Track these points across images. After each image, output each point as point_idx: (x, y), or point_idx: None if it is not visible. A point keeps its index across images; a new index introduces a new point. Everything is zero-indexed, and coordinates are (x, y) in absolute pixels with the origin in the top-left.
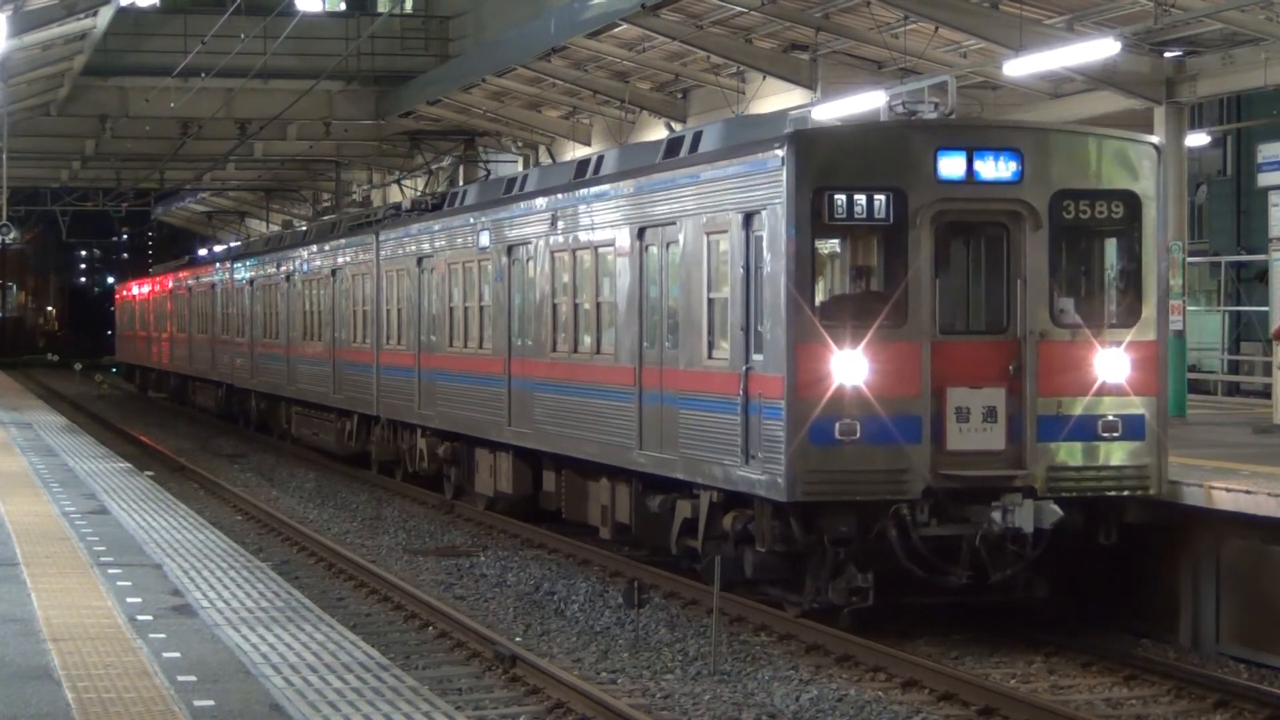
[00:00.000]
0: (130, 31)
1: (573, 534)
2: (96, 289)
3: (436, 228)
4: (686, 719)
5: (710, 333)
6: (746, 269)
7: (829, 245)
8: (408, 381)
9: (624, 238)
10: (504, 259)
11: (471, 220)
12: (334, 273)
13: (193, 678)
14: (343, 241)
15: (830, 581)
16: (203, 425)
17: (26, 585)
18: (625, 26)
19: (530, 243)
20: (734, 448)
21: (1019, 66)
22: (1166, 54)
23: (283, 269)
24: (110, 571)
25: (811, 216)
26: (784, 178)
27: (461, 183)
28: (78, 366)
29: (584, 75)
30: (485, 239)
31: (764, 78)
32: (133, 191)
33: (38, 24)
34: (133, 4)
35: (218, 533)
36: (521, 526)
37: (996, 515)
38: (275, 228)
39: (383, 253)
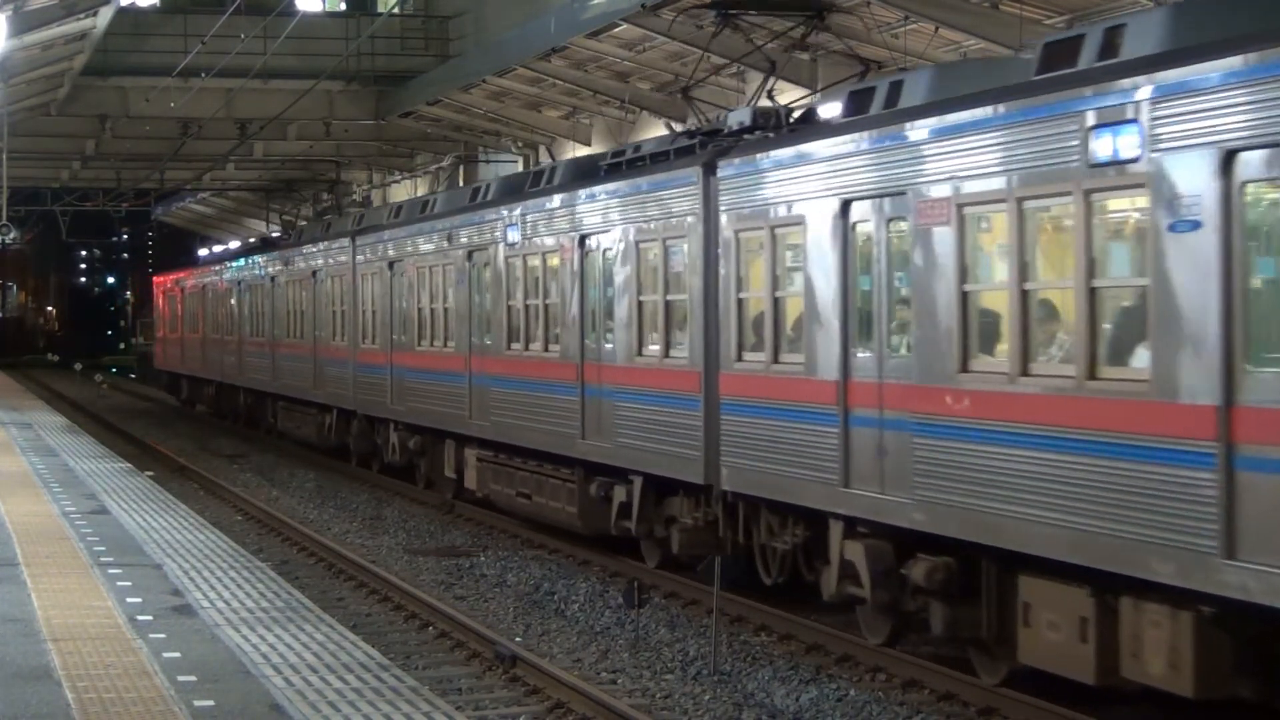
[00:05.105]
0: (130, 31)
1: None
2: (96, 289)
3: (920, 133)
4: (686, 719)
5: None
6: None
7: None
8: (816, 434)
9: None
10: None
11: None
12: (582, 240)
13: (193, 678)
14: (622, 185)
15: None
16: (203, 425)
17: (26, 585)
18: (625, 26)
19: None
20: None
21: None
22: None
23: (467, 238)
24: (110, 571)
25: None
26: None
27: (462, 183)
28: (78, 367)
29: (584, 75)
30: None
31: (764, 77)
32: (133, 191)
33: (38, 24)
34: (133, 4)
35: (218, 533)
36: (521, 526)
37: None
38: (275, 227)
39: (726, 200)
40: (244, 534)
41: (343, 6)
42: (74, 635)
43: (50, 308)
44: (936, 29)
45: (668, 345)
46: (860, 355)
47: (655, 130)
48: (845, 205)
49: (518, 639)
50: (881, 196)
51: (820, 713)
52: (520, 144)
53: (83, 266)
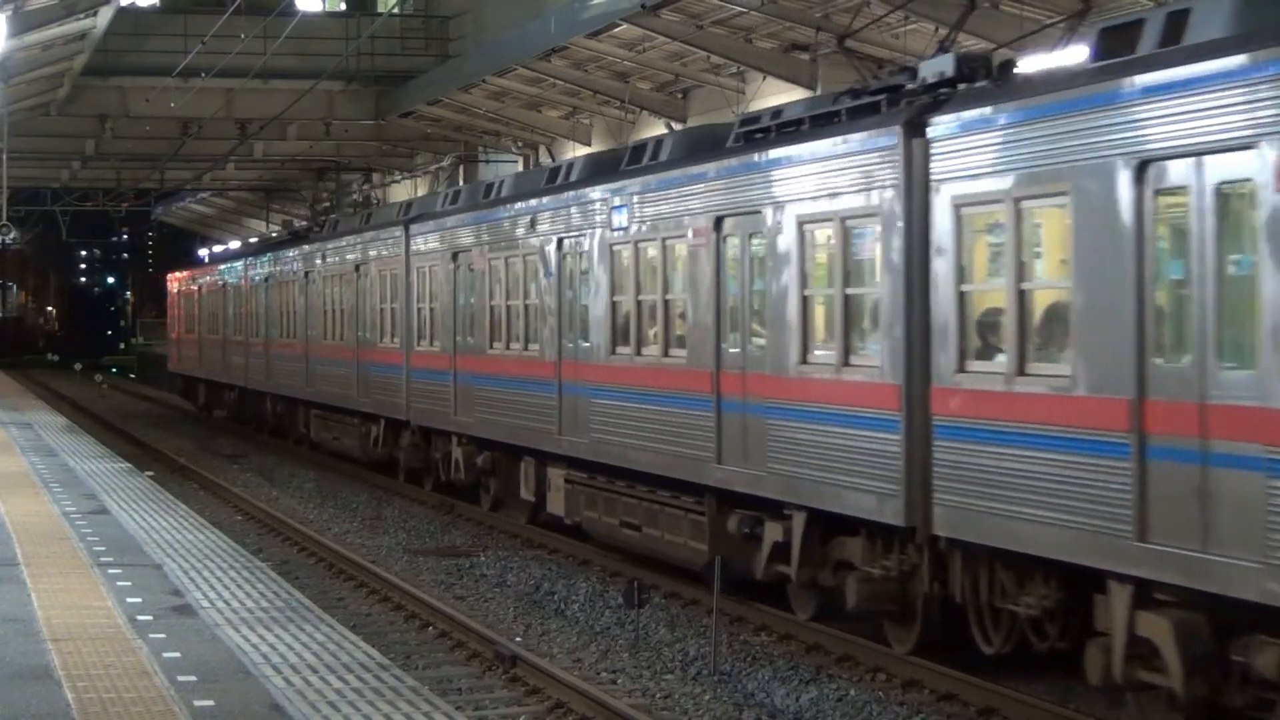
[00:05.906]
0: (130, 31)
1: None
2: (96, 289)
3: None
4: (686, 719)
5: None
6: None
7: None
8: (1092, 468)
9: None
10: None
11: None
12: (719, 223)
13: (193, 678)
14: (776, 155)
15: None
16: (203, 425)
17: (26, 585)
18: (625, 26)
19: None
20: None
21: (1020, 67)
22: None
23: (556, 224)
24: (110, 571)
25: None
26: None
27: (462, 182)
28: (78, 367)
29: (584, 75)
30: None
31: (764, 78)
32: (133, 191)
33: (38, 24)
34: (133, 4)
35: (218, 533)
36: (521, 527)
37: None
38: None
39: (941, 167)
40: (244, 534)
41: (343, 6)
42: (74, 635)
43: (50, 308)
44: (936, 29)
45: (847, 351)
46: (1164, 366)
47: (655, 130)
48: (1141, 167)
49: (518, 639)
50: (1203, 154)
51: (820, 713)
52: (520, 144)
53: (83, 266)
